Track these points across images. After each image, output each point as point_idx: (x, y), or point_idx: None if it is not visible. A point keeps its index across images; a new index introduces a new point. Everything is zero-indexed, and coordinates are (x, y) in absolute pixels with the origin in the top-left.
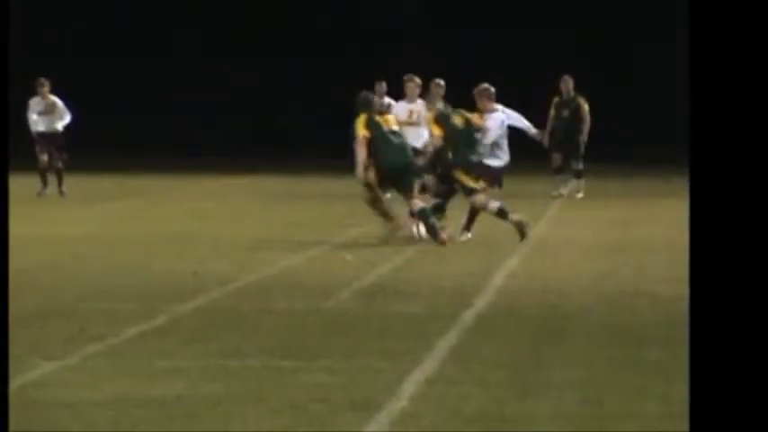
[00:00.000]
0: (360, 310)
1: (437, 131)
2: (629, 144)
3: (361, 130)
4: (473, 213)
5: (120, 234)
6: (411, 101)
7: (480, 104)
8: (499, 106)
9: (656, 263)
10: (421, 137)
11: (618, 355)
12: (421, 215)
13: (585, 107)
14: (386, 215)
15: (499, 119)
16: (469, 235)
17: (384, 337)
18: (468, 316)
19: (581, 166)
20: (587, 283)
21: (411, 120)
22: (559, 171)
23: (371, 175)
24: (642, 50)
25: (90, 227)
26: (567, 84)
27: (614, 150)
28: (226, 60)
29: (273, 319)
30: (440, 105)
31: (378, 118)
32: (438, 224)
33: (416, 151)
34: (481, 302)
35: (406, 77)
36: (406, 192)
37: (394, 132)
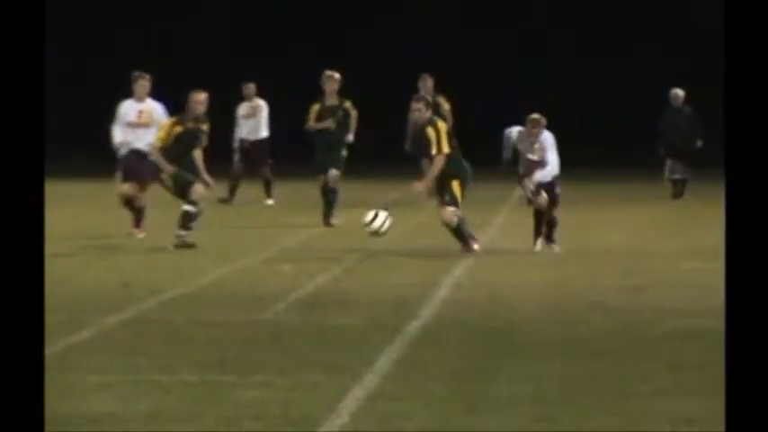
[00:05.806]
0: (297, 321)
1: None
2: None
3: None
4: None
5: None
6: (140, 100)
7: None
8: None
9: (610, 272)
10: (151, 137)
11: (570, 369)
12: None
13: (446, 107)
14: None
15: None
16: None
17: (323, 351)
18: (412, 328)
19: None
20: (538, 293)
21: (141, 120)
22: None
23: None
24: (614, 53)
25: None
26: (426, 82)
27: (569, 153)
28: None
29: (207, 332)
30: (333, 100)
31: None
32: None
33: (141, 153)
34: (426, 314)
35: (136, 74)
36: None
37: None
